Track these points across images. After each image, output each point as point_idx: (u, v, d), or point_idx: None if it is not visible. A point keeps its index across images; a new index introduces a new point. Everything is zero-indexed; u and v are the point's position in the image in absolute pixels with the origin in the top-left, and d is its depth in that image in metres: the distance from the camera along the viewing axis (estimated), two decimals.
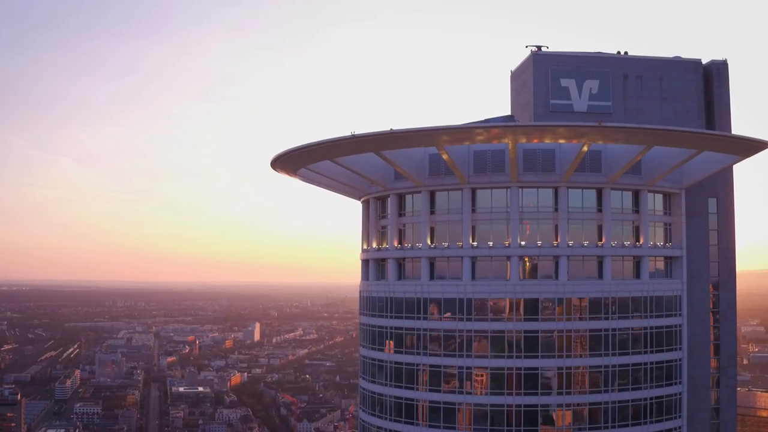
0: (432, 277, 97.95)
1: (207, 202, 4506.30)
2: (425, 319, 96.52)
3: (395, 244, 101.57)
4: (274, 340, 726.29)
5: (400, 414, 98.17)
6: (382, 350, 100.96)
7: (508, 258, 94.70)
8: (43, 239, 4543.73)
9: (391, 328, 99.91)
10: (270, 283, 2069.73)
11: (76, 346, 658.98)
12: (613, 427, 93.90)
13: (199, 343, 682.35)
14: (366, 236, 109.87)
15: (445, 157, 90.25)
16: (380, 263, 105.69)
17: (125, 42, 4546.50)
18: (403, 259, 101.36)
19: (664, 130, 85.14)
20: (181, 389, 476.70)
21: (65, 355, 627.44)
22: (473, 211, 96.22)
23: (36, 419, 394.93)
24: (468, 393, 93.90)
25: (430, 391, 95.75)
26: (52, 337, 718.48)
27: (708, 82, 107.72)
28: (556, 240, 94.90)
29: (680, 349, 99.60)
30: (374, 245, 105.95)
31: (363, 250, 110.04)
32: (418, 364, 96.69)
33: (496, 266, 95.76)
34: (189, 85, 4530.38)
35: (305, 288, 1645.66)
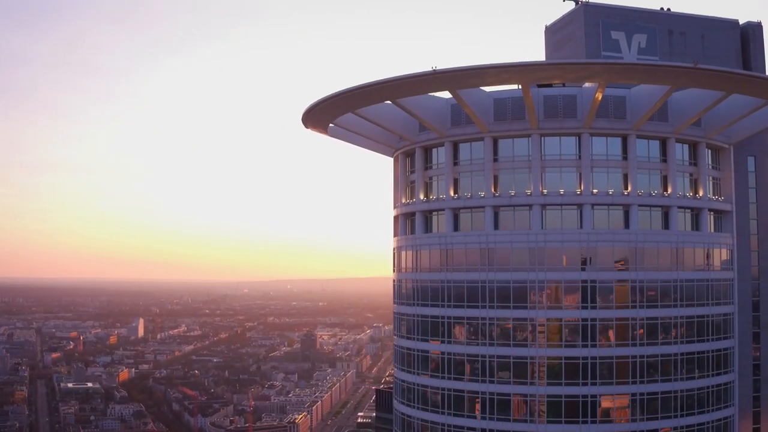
0: (496, 227, 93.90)
1: (85, 197, 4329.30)
2: (491, 270, 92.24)
3: (451, 193, 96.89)
4: (158, 336, 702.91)
5: (462, 372, 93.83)
6: (438, 306, 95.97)
7: (580, 206, 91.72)
8: None
9: (449, 282, 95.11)
10: (149, 280, 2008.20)
11: None
12: (683, 379, 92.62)
13: (83, 339, 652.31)
14: (407, 190, 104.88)
15: (527, 98, 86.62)
16: (428, 215, 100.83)
17: (2, 32, 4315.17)
18: (459, 209, 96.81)
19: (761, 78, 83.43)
20: (70, 385, 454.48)
21: None
22: (542, 158, 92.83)
23: None
24: (541, 346, 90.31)
25: (499, 345, 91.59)
26: None
27: (745, 43, 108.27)
28: (626, 189, 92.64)
29: (733, 303, 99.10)
30: (421, 197, 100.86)
31: (402, 205, 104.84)
32: (483, 318, 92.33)
33: (566, 216, 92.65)
34: (73, 78, 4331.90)
35: (184, 285, 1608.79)
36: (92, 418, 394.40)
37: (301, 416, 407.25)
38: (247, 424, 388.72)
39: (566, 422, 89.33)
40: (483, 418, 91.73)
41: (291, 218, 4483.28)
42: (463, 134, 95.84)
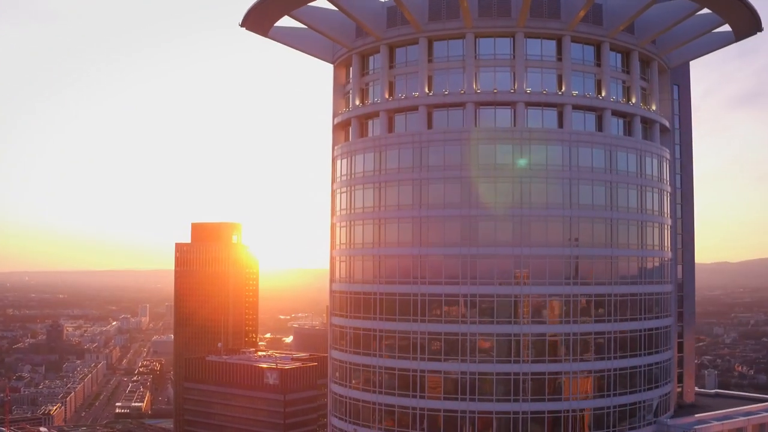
0: (476, 124, 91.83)
1: None
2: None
3: (426, 91, 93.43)
4: None
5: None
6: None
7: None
8: None
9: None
10: None
11: None
12: (632, 284, 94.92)
13: None
14: (361, 92, 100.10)
15: None
16: (391, 115, 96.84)
17: None
18: (433, 106, 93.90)
19: None
20: None
21: None
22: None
23: None
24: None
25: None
26: None
27: None
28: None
29: (669, 215, 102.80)
30: (386, 96, 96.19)
31: (362, 105, 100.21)
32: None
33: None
34: None
35: None
36: None
37: (55, 408, 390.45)
38: (1, 417, 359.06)
39: None
40: None
41: (29, 205, 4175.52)
42: (442, 29, 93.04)
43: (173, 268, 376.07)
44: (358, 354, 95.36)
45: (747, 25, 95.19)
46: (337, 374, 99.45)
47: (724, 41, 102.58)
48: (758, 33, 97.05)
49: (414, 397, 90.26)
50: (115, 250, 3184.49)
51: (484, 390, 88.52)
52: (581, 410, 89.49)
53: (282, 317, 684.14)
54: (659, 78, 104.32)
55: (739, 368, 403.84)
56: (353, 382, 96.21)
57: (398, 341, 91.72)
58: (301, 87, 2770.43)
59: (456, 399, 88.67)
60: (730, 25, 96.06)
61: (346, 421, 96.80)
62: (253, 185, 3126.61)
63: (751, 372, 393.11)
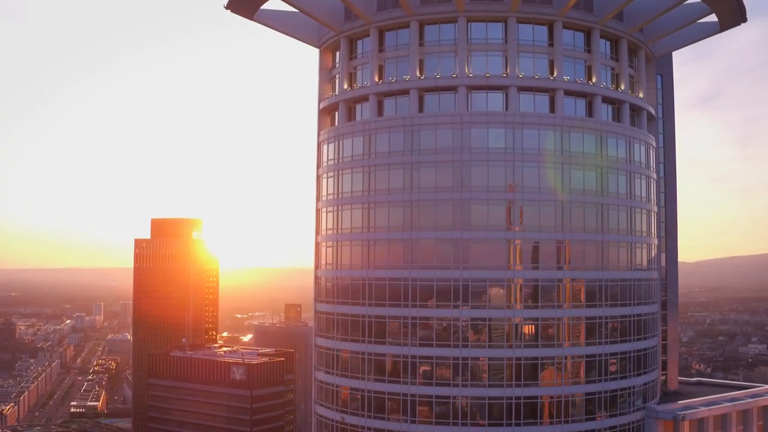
0: (468, 108, 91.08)
1: None
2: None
3: (417, 74, 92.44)
4: None
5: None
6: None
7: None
8: None
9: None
10: None
11: None
12: (622, 269, 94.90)
13: None
14: (349, 76, 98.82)
15: None
16: (380, 99, 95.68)
17: None
18: (424, 89, 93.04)
19: None
20: None
21: None
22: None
23: None
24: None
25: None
26: None
27: None
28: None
29: (655, 202, 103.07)
30: (376, 79, 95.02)
31: (351, 88, 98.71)
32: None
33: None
34: None
35: None
36: None
37: (8, 407, 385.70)
38: None
39: None
40: None
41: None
42: (389, 19, 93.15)
43: (131, 265, 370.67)
44: (346, 341, 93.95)
45: (733, 14, 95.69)
46: (324, 362, 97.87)
47: (708, 31, 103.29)
48: (742, 24, 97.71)
49: (405, 383, 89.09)
50: (74, 247, 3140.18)
51: (476, 375, 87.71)
52: (573, 395, 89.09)
53: (239, 316, 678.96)
54: (646, 66, 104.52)
55: (697, 366, 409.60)
56: (340, 369, 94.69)
57: (388, 327, 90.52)
58: (281, 85, 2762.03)
59: (448, 385, 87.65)
60: (717, 15, 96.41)
61: (333, 409, 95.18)
62: (218, 181, 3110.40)
63: (708, 370, 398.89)
